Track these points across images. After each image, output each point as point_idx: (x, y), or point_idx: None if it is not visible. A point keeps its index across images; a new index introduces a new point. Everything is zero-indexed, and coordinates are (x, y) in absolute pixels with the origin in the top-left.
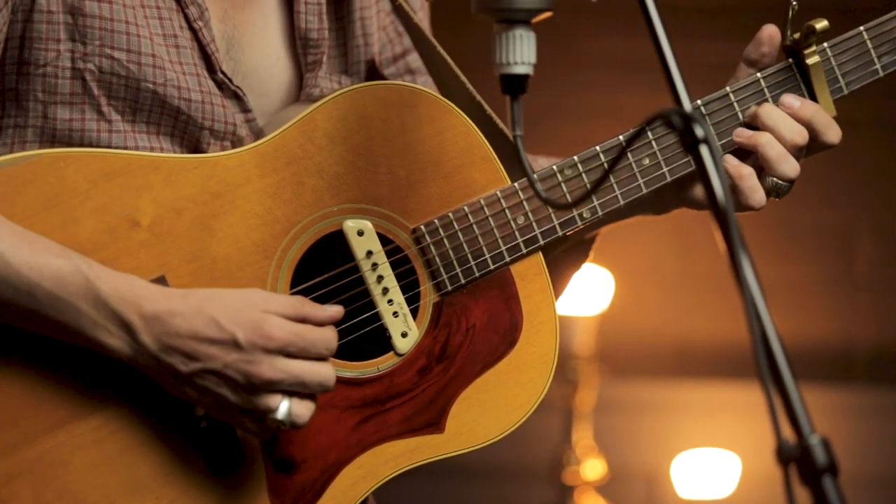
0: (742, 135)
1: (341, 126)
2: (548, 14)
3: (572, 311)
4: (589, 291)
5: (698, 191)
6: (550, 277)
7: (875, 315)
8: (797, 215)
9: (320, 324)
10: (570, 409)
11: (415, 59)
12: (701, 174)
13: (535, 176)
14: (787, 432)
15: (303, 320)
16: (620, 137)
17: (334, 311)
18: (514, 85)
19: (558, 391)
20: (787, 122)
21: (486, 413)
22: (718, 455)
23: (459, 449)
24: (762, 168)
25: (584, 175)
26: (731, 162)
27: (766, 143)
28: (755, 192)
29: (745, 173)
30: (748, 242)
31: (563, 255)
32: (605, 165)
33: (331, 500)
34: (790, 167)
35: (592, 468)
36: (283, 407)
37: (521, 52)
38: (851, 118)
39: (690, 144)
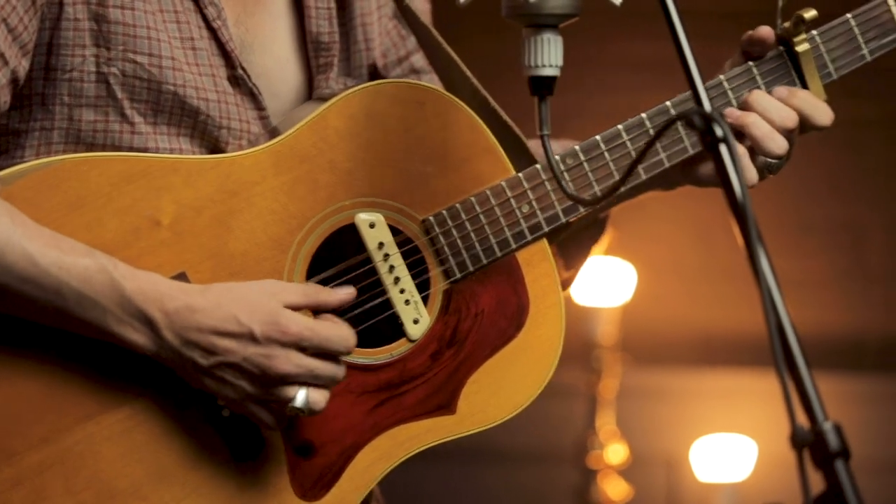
0: (731, 115)
1: (352, 124)
2: (574, 19)
3: (597, 302)
4: (612, 284)
5: (703, 169)
6: (570, 254)
7: (885, 306)
8: (811, 211)
9: (335, 307)
10: (594, 396)
11: (418, 60)
12: (720, 172)
13: (561, 169)
14: (802, 418)
15: (317, 306)
16: (620, 126)
17: (345, 293)
18: (542, 86)
19: (583, 379)
20: (776, 106)
21: (495, 394)
22: (736, 440)
23: (471, 429)
24: (753, 149)
25: (585, 164)
26: None
27: (752, 123)
28: (747, 170)
29: (740, 152)
30: (764, 237)
31: (581, 233)
32: (607, 154)
33: (349, 481)
34: (776, 145)
35: (615, 453)
36: (301, 396)
37: (549, 55)
38: (864, 117)
39: (710, 143)
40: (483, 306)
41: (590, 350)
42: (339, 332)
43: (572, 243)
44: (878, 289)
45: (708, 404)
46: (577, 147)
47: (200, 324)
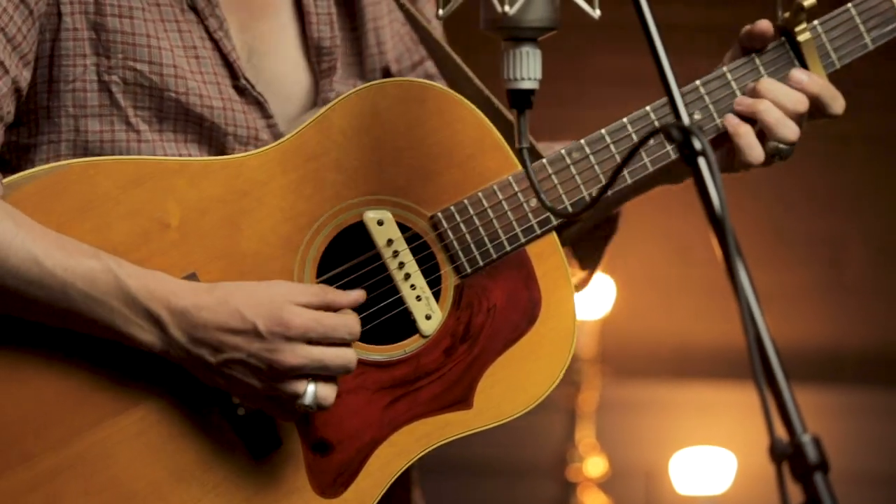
0: (742, 103)
1: (356, 122)
2: (553, 32)
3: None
4: (591, 297)
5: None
6: (584, 254)
7: (863, 319)
8: (790, 224)
9: (342, 307)
10: (574, 409)
11: (431, 66)
12: (698, 185)
13: (539, 184)
14: (781, 431)
15: (327, 307)
16: (625, 119)
17: (356, 294)
18: (521, 99)
19: (562, 391)
20: (785, 92)
21: (511, 388)
22: (715, 453)
23: (488, 423)
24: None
25: (591, 157)
26: (731, 121)
27: (764, 110)
28: (752, 148)
29: (742, 131)
30: (743, 250)
31: (593, 231)
32: (613, 147)
33: (367, 477)
34: (790, 130)
35: (594, 465)
36: (310, 391)
37: (528, 68)
38: (843, 132)
39: (688, 157)
40: (495, 301)
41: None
42: (343, 321)
43: (585, 243)
44: (857, 301)
45: (687, 417)
46: (582, 141)
47: (207, 321)
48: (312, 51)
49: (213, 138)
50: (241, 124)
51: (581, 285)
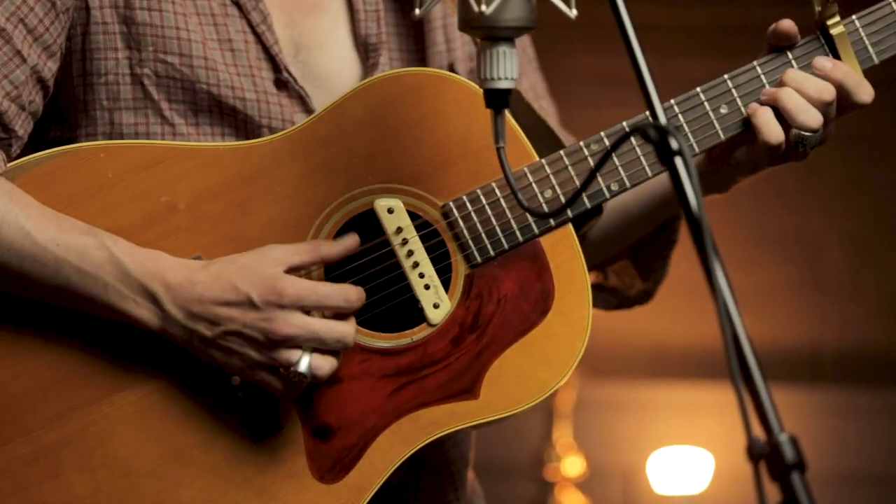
0: (766, 93)
1: (370, 112)
2: (530, 31)
3: None
4: None
5: (739, 154)
6: (645, 263)
7: (840, 318)
8: (768, 224)
9: (339, 257)
10: (551, 409)
11: None
12: (675, 184)
13: (516, 184)
14: (758, 430)
15: (322, 260)
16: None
17: (349, 242)
18: (498, 99)
19: None
20: (811, 80)
21: (519, 379)
22: (692, 452)
23: (494, 414)
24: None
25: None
26: (752, 106)
27: (785, 97)
28: (769, 125)
29: (760, 111)
30: (720, 250)
31: (654, 239)
32: (633, 140)
33: (368, 464)
34: (810, 116)
35: (572, 465)
36: (304, 360)
37: (504, 67)
38: None
39: (665, 156)
40: (506, 291)
41: None
42: (338, 289)
43: (646, 251)
44: (834, 301)
45: (665, 417)
46: (602, 133)
47: (202, 295)
48: (360, 48)
49: (248, 130)
50: (276, 116)
51: (643, 297)
